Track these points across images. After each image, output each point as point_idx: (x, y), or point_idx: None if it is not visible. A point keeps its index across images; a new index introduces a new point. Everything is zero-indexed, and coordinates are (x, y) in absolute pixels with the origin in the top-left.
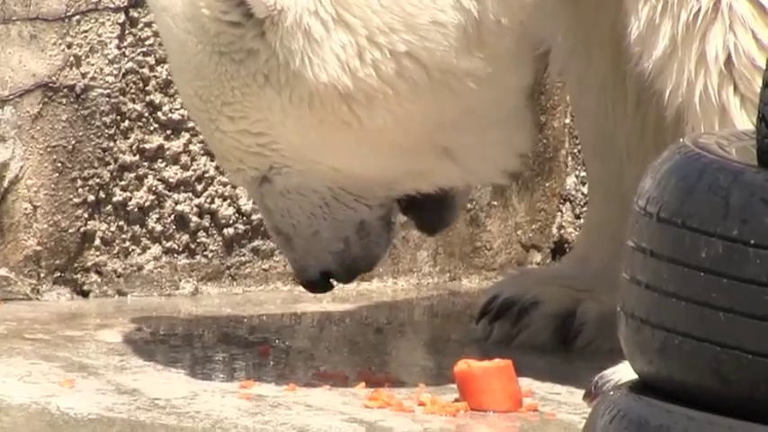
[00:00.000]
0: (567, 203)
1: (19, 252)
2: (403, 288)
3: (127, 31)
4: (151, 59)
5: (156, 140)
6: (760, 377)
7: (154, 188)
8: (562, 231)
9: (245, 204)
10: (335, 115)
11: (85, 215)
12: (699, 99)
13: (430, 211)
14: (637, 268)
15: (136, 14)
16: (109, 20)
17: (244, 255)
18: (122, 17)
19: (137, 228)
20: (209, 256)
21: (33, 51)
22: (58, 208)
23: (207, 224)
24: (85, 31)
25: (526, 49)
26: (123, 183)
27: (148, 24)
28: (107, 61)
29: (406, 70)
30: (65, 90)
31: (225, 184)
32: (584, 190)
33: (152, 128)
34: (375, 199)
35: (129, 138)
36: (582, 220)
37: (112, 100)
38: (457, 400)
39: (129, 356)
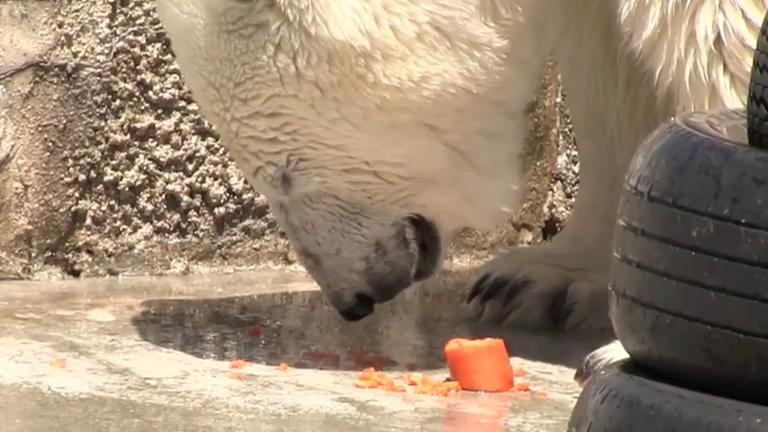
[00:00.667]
0: (558, 183)
1: (10, 231)
2: None
3: (118, 11)
4: (142, 39)
5: (147, 120)
6: (751, 356)
7: (145, 167)
8: (553, 210)
9: (237, 184)
10: (353, 71)
11: (76, 194)
12: (689, 78)
13: (426, 251)
14: (628, 247)
15: None
16: None
17: (235, 234)
18: None
19: (128, 207)
20: (201, 235)
21: (24, 30)
22: (49, 187)
23: (198, 203)
24: (77, 11)
25: (538, 46)
26: (114, 162)
27: (139, 3)
28: (98, 40)
29: (425, 35)
30: (56, 69)
31: (216, 164)
32: (576, 169)
33: (143, 107)
34: (387, 214)
35: (120, 117)
36: (573, 200)
37: (103, 79)
38: (448, 380)
39: (120, 336)
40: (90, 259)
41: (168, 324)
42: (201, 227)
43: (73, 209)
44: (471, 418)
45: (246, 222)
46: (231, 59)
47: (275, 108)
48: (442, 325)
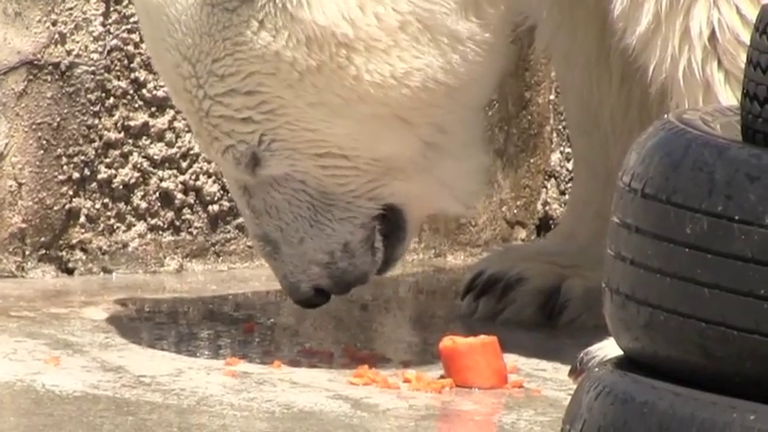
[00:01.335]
0: (552, 180)
1: (4, 229)
2: None
3: (111, 9)
4: (136, 36)
5: (140, 117)
6: (745, 353)
7: (139, 165)
8: (547, 208)
9: None
10: (333, 60)
11: (70, 192)
12: (683, 75)
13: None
14: (622, 244)
15: None
16: None
17: (229, 232)
18: None
19: (122, 205)
20: (194, 233)
21: (18, 29)
22: (42, 185)
23: (192, 201)
24: (70, 9)
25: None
26: (108, 160)
27: (133, 1)
28: (92, 38)
29: (408, 26)
30: (50, 67)
31: (210, 162)
32: (569, 166)
33: (137, 105)
34: (357, 211)
35: (113, 115)
36: (567, 197)
37: (97, 77)
38: (442, 377)
39: (114, 334)
40: (84, 257)
41: (162, 322)
42: (195, 224)
43: (67, 207)
44: (465, 415)
45: (240, 220)
46: (212, 34)
47: (253, 86)
48: (436, 322)
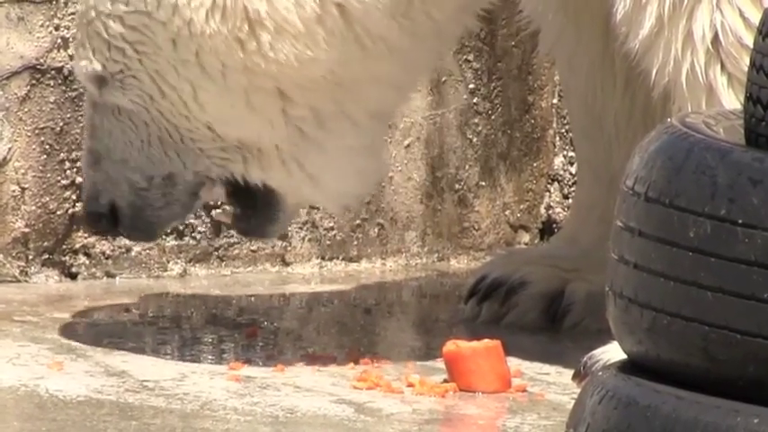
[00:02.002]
0: (555, 183)
1: (7, 234)
2: (391, 269)
3: None
4: None
5: None
6: (748, 356)
7: None
8: (550, 211)
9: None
10: (232, 33)
11: (73, 197)
12: (686, 78)
13: (256, 213)
14: (625, 248)
15: None
16: None
17: (232, 236)
18: None
19: None
20: (198, 237)
21: (21, 33)
22: (46, 190)
23: None
24: (73, 13)
25: (431, 56)
26: None
27: None
28: None
29: (328, 17)
30: (52, 72)
31: None
32: (572, 170)
33: None
34: (197, 163)
35: None
36: (570, 201)
37: None
38: (446, 381)
39: (117, 338)
40: (87, 262)
41: (166, 326)
42: (199, 229)
43: (70, 211)
44: (469, 420)
45: None
46: None
47: (139, 24)
48: (440, 326)
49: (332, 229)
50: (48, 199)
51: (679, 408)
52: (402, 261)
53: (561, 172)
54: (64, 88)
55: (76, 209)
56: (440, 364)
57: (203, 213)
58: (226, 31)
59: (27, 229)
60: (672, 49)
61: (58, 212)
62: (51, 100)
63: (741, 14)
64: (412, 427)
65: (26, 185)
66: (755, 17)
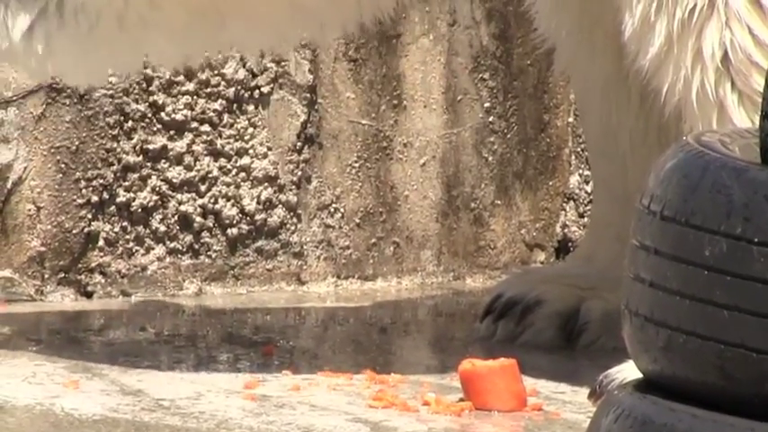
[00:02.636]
0: (571, 202)
1: (23, 253)
2: (407, 287)
3: None
4: None
5: (159, 141)
6: (765, 375)
7: (157, 188)
8: (566, 230)
9: (249, 204)
10: None
11: (89, 216)
12: (696, 96)
13: None
14: (640, 266)
15: None
16: None
17: (247, 255)
18: None
19: (140, 228)
20: (213, 256)
21: None
22: (61, 209)
23: (210, 224)
24: None
25: None
26: (127, 183)
27: None
28: None
29: None
30: (68, 91)
31: (228, 185)
32: (588, 188)
33: (155, 128)
34: None
35: (132, 138)
36: (586, 219)
37: (116, 100)
38: (461, 400)
39: (133, 357)
40: (103, 280)
41: (181, 345)
42: (214, 248)
43: (86, 230)
44: None
45: (259, 243)
46: None
47: None
48: (455, 345)
49: (347, 247)
50: (63, 218)
51: (695, 426)
52: (417, 280)
53: (577, 191)
54: (80, 107)
55: (92, 228)
56: (455, 382)
57: (219, 232)
58: None
59: (43, 248)
60: (681, 68)
61: (74, 231)
62: (67, 119)
63: (750, 32)
64: None
65: (42, 204)
66: (765, 34)
